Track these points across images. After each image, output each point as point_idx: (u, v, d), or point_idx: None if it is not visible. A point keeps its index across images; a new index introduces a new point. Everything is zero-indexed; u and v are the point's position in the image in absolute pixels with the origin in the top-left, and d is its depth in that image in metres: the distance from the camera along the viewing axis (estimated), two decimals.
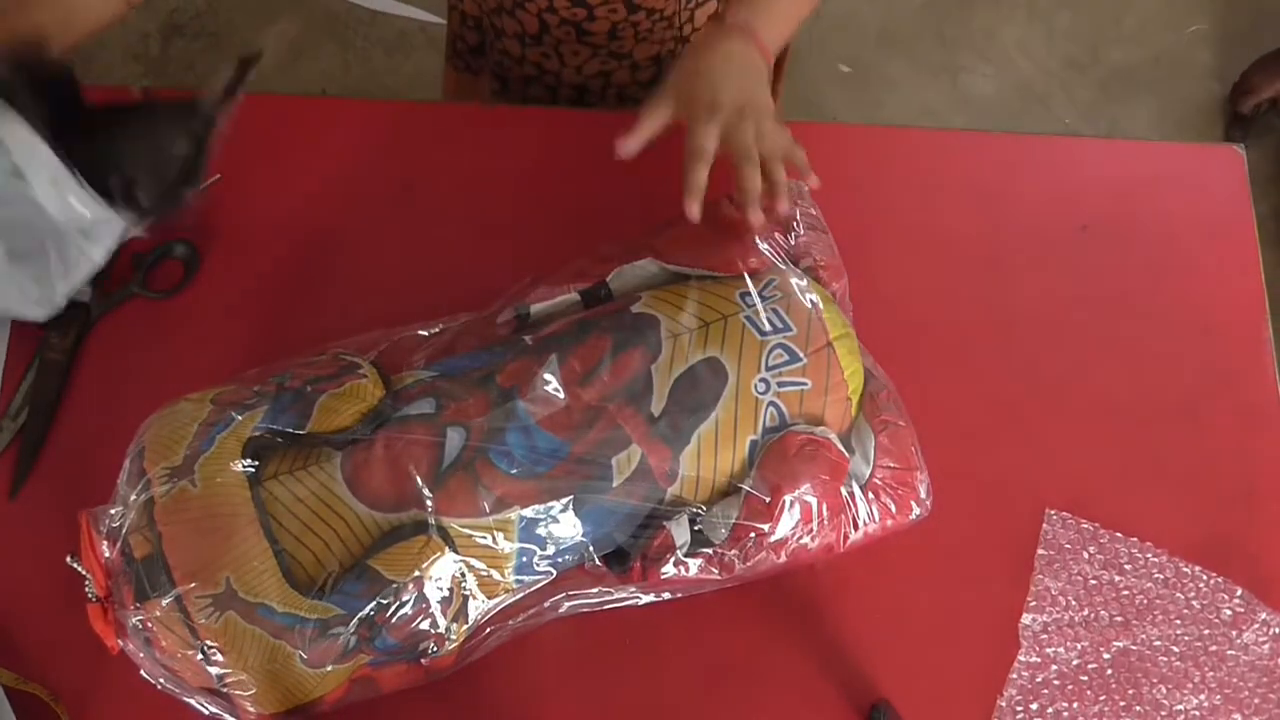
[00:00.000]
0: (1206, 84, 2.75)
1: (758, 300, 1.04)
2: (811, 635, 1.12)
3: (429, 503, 0.96)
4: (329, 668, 0.94)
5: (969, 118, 2.64)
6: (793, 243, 1.12)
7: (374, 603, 0.93)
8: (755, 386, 1.01)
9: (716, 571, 1.02)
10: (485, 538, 0.97)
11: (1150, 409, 1.23)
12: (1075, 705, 1.11)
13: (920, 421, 1.08)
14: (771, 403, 1.01)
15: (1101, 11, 2.80)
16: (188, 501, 0.93)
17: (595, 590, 1.03)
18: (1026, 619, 1.14)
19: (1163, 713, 1.11)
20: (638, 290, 1.09)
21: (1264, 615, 1.15)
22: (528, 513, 0.98)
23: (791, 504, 0.99)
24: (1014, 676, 1.12)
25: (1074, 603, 1.15)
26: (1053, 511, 1.18)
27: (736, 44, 1.12)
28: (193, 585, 0.91)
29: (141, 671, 0.96)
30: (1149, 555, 1.16)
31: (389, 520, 0.96)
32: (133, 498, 0.94)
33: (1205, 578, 1.16)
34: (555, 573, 1.02)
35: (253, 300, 1.22)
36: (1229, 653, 1.14)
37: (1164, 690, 1.12)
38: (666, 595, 1.05)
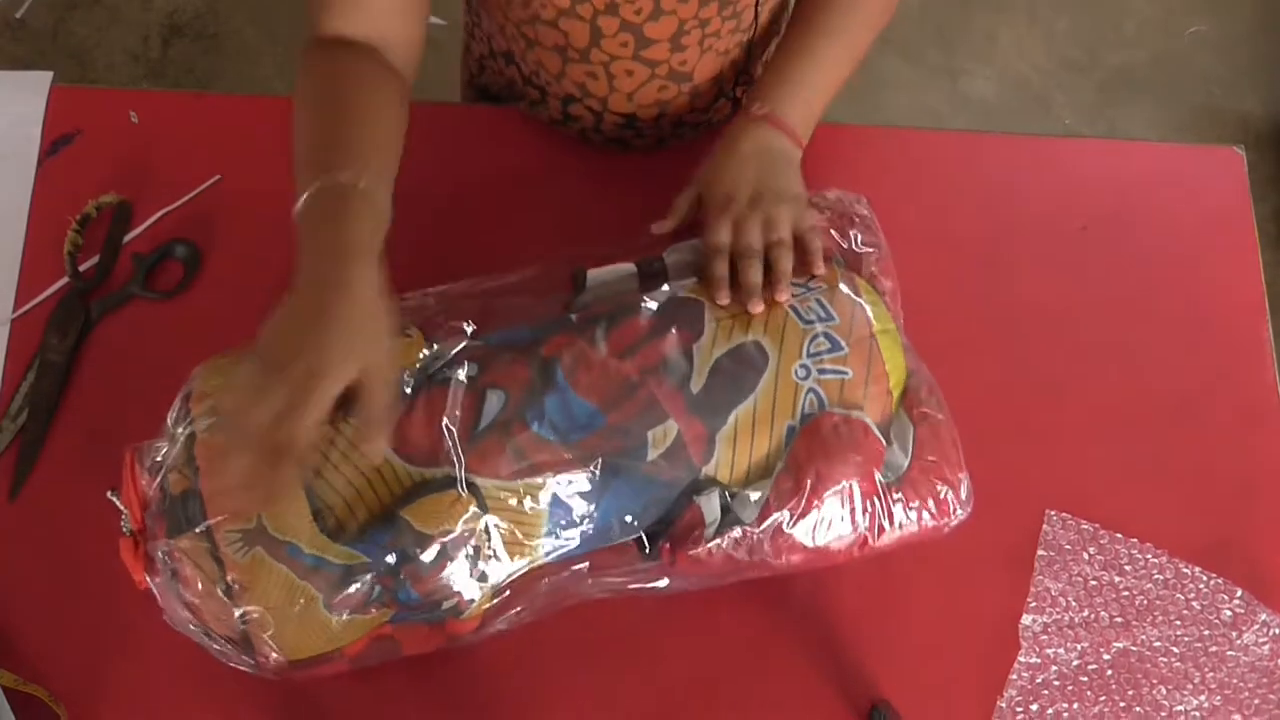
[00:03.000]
0: (1206, 86, 2.75)
1: (805, 289, 1.05)
2: (811, 635, 1.12)
3: (462, 459, 0.96)
4: (349, 616, 0.95)
5: (969, 119, 2.64)
6: (847, 246, 1.11)
7: (400, 553, 0.94)
8: (795, 372, 1.01)
9: (745, 555, 1.01)
10: (515, 500, 0.97)
11: (1150, 409, 1.23)
12: (1075, 706, 1.11)
13: None
14: (811, 389, 1.01)
15: (1101, 14, 2.80)
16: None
17: (621, 571, 1.03)
18: (1026, 620, 1.14)
19: (1163, 713, 1.11)
20: (691, 265, 1.10)
21: (1264, 616, 1.15)
22: (559, 479, 0.98)
23: (822, 483, 0.99)
24: (1014, 677, 1.12)
25: (1074, 603, 1.15)
26: (1053, 512, 1.18)
27: (762, 135, 1.14)
28: (224, 518, 0.92)
29: (165, 617, 0.96)
30: (1149, 556, 1.16)
31: (422, 474, 0.96)
32: (178, 432, 0.96)
33: (1205, 579, 1.16)
34: (581, 544, 1.01)
35: (253, 300, 1.21)
36: (1229, 654, 1.14)
37: (1164, 691, 1.12)
38: (690, 585, 1.04)
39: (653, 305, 1.04)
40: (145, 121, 1.30)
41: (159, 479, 0.95)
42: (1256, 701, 1.12)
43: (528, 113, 1.34)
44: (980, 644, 1.13)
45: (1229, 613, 1.15)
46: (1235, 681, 1.13)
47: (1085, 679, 1.12)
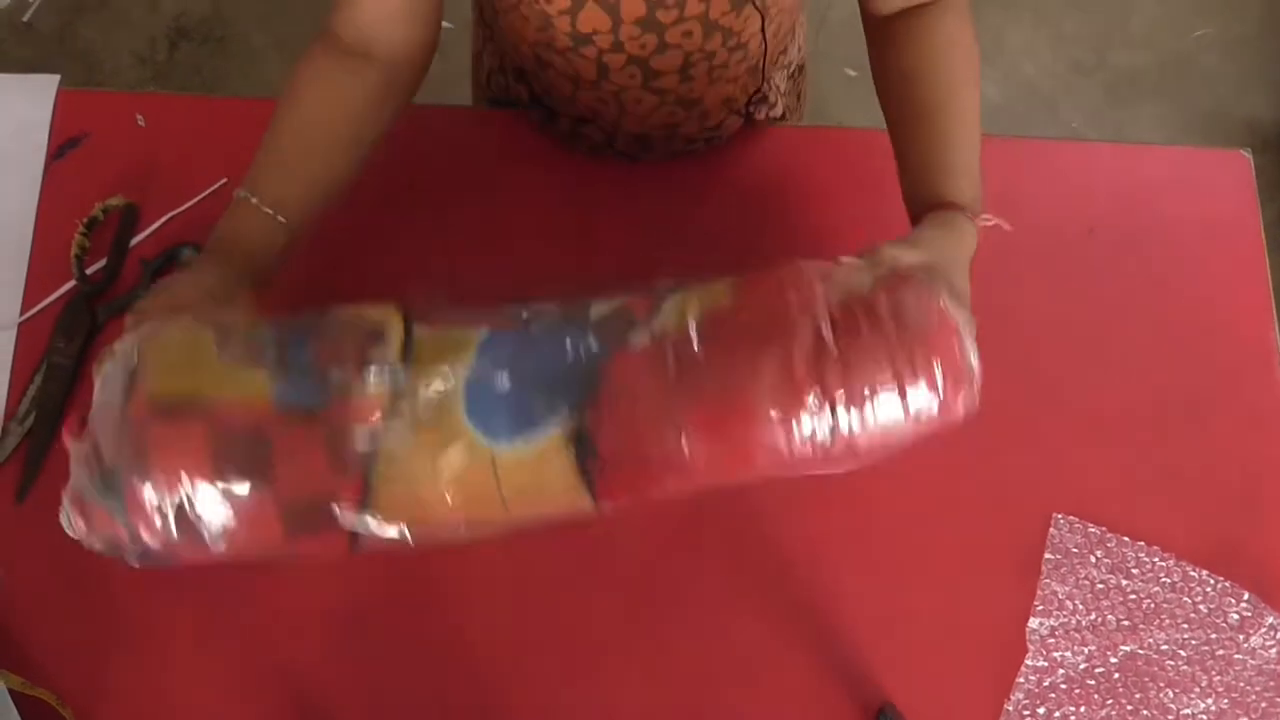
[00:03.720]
0: (1213, 89, 2.75)
1: None
2: (817, 638, 1.12)
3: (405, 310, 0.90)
4: (234, 363, 0.87)
5: None
6: None
7: (306, 329, 0.89)
8: None
9: (673, 364, 0.86)
10: (444, 332, 0.89)
11: (1157, 413, 1.23)
12: (1082, 709, 1.11)
13: None
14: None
15: (1108, 16, 2.80)
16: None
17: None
18: (1034, 623, 1.14)
19: (1170, 717, 1.11)
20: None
21: (1271, 619, 1.15)
22: (494, 330, 0.89)
23: (760, 279, 0.88)
24: (1021, 680, 1.12)
25: (1081, 607, 1.14)
26: (1060, 515, 1.18)
27: (964, 224, 1.08)
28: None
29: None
30: (1156, 559, 1.16)
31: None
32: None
33: (1212, 582, 1.16)
34: (500, 386, 0.87)
35: (258, 302, 1.22)
36: (1236, 657, 1.14)
37: (1171, 694, 1.12)
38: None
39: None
40: (152, 125, 1.30)
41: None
42: (1264, 705, 1.12)
43: (536, 122, 1.34)
44: (987, 647, 1.13)
45: (1236, 616, 1.15)
46: (1242, 685, 1.13)
47: (1092, 682, 1.12)
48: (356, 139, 1.11)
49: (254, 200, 1.05)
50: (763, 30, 1.21)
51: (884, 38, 1.17)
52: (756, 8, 1.16)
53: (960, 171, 1.11)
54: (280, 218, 1.06)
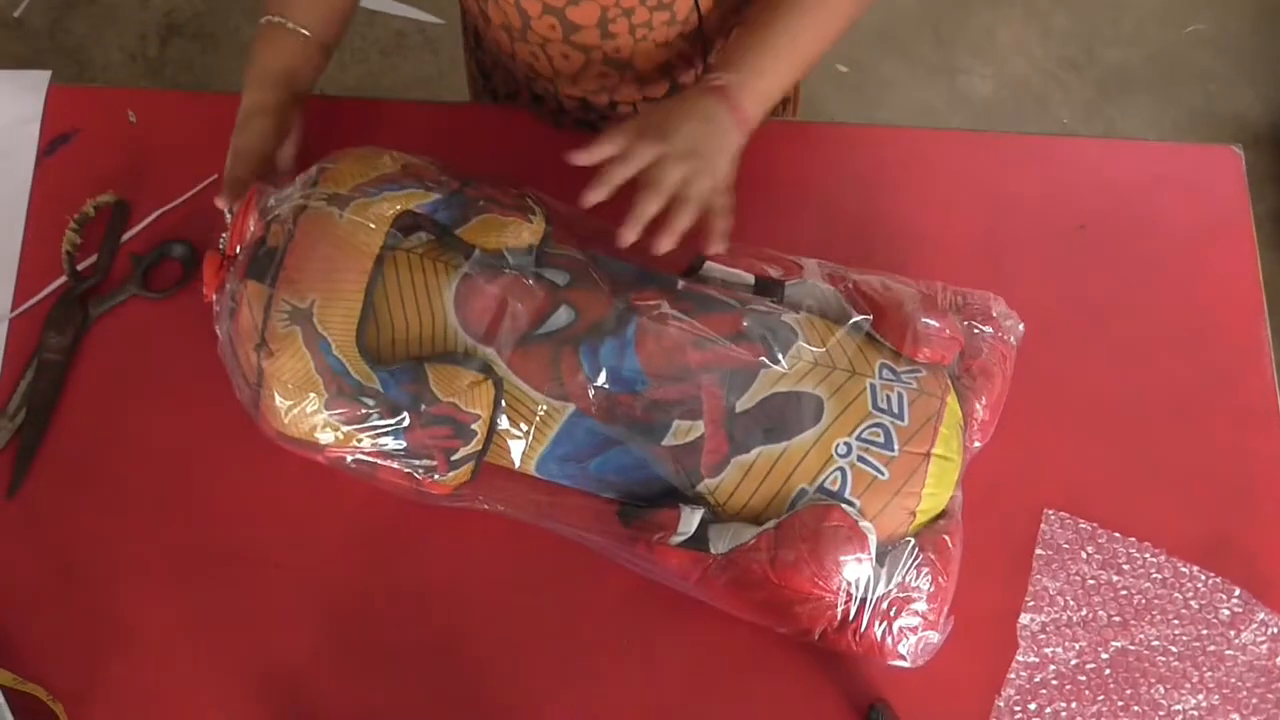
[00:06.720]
0: (1204, 84, 2.75)
1: (894, 377, 1.05)
2: None
3: (505, 351, 1.01)
4: (340, 426, 1.00)
5: (966, 118, 2.64)
6: (973, 351, 1.10)
7: (409, 398, 0.99)
8: (837, 447, 1.02)
9: (697, 576, 1.02)
10: (531, 411, 1.02)
11: (1148, 409, 1.23)
12: (1073, 705, 1.11)
13: None
14: (841, 468, 1.02)
15: (1099, 11, 2.80)
16: (328, 224, 1.01)
17: (593, 526, 1.07)
18: (1025, 619, 1.14)
19: (1161, 713, 1.11)
20: (805, 308, 1.10)
21: (1262, 615, 1.15)
22: (577, 414, 1.02)
23: (795, 569, 0.99)
24: (1012, 676, 1.12)
25: (1072, 603, 1.15)
26: (1051, 511, 1.18)
27: (712, 104, 1.09)
28: (287, 287, 0.99)
29: (216, 326, 1.05)
30: (1147, 555, 1.16)
31: (467, 344, 1.02)
32: (297, 197, 1.03)
33: (1203, 578, 1.16)
34: (564, 479, 1.06)
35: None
36: (1227, 653, 1.14)
37: (1162, 690, 1.12)
38: (645, 571, 1.06)
39: (754, 313, 1.06)
40: (143, 121, 1.30)
41: (266, 222, 1.03)
42: (1255, 700, 1.12)
43: (532, 109, 1.35)
44: (978, 643, 1.13)
45: (1227, 612, 1.15)
46: (1233, 680, 1.13)
47: (1083, 678, 1.12)
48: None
49: (286, 23, 1.19)
50: None
51: None
52: None
53: (742, 52, 1.13)
54: (311, 34, 1.19)
